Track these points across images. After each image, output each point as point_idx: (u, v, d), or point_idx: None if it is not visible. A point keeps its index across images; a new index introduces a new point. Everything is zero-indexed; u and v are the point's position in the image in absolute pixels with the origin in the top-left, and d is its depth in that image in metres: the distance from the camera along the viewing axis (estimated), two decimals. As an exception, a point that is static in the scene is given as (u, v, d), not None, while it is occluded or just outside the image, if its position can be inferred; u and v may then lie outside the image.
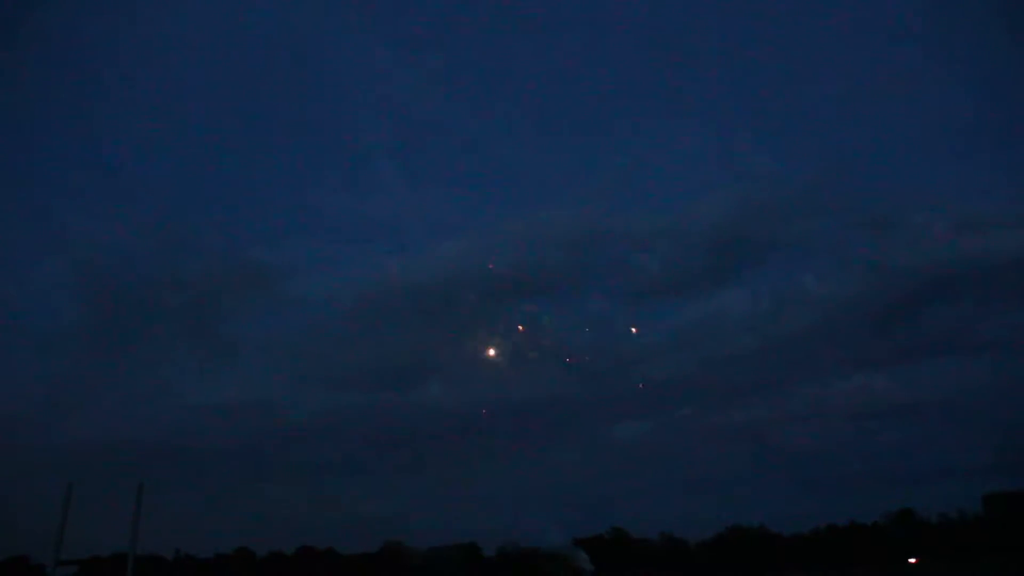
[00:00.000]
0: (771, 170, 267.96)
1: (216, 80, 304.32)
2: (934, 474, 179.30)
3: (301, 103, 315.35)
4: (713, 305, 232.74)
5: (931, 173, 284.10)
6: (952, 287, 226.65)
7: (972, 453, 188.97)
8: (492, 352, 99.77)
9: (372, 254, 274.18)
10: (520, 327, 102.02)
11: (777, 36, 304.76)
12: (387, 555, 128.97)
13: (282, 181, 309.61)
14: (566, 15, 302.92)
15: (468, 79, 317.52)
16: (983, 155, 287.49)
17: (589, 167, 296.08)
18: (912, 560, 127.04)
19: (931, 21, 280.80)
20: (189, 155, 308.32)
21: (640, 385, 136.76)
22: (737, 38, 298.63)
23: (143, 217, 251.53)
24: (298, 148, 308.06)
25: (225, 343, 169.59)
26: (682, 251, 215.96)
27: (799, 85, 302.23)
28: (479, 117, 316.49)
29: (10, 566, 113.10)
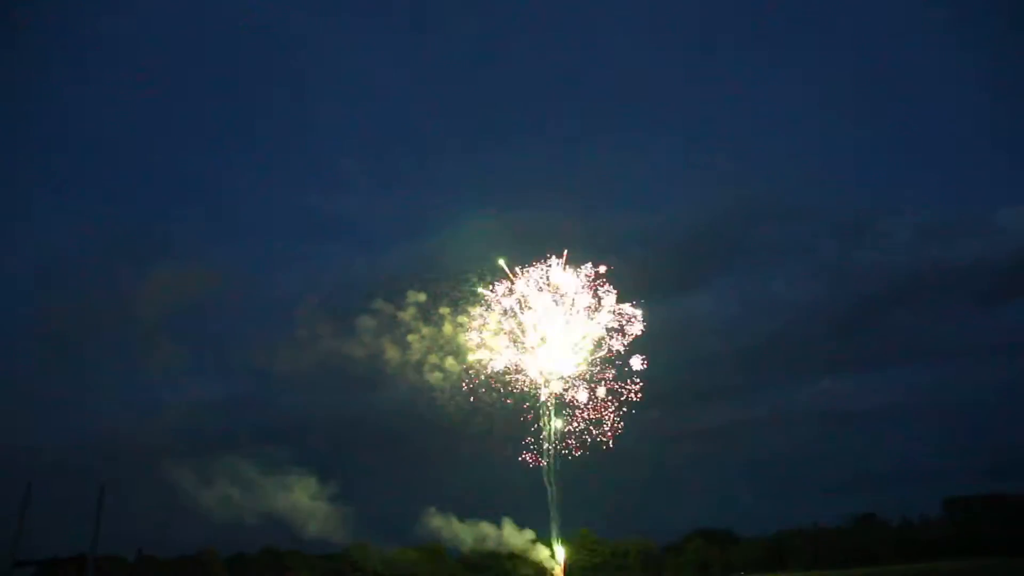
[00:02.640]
0: (739, 176, 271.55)
1: (182, 79, 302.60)
2: (896, 478, 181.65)
3: (269, 103, 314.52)
4: (680, 309, 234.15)
5: (896, 180, 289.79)
6: (915, 293, 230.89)
7: (933, 457, 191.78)
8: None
9: (339, 253, 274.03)
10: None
11: (747, 43, 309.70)
12: (352, 556, 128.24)
13: (250, 180, 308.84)
14: (538, 20, 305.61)
15: (439, 80, 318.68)
16: (946, 163, 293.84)
17: (560, 171, 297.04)
18: None
19: (898, 31, 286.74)
20: (157, 155, 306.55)
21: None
22: (706, 45, 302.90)
23: (109, 214, 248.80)
24: (266, 148, 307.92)
25: (188, 342, 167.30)
26: (650, 255, 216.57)
27: (767, 92, 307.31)
28: (449, 118, 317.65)
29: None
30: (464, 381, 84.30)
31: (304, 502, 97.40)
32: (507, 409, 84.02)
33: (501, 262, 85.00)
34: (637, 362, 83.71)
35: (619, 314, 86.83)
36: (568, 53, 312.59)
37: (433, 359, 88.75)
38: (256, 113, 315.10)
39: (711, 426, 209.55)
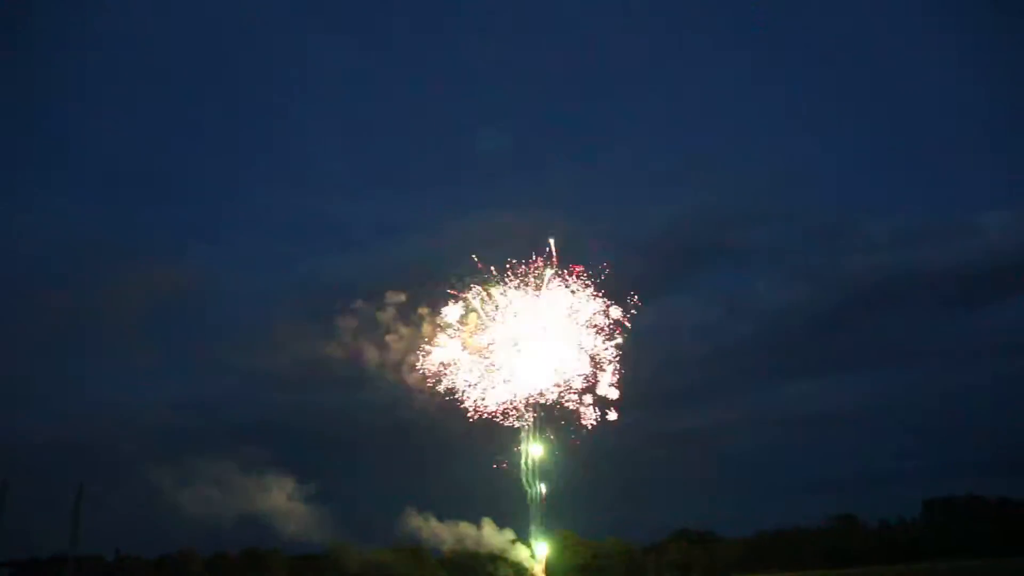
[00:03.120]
0: (718, 179, 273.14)
1: (159, 76, 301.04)
2: (875, 479, 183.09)
3: (248, 101, 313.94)
4: (661, 311, 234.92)
5: (874, 184, 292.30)
6: (893, 296, 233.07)
7: (912, 459, 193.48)
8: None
9: (317, 252, 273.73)
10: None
11: (729, 45, 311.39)
12: (332, 557, 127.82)
13: (227, 179, 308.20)
14: (519, 21, 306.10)
15: (418, 79, 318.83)
16: (924, 167, 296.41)
17: (541, 170, 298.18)
18: None
19: (876, 36, 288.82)
20: (135, 153, 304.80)
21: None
22: (687, 46, 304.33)
23: (84, 212, 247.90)
24: (245, 146, 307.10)
25: (166, 342, 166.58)
26: (632, 256, 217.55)
27: (747, 96, 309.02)
28: (432, 118, 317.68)
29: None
30: (440, 382, 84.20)
31: (282, 503, 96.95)
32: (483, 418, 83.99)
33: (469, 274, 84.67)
34: (608, 388, 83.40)
35: (601, 320, 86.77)
36: (549, 53, 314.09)
37: (412, 360, 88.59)
38: (238, 112, 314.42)
39: (692, 427, 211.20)
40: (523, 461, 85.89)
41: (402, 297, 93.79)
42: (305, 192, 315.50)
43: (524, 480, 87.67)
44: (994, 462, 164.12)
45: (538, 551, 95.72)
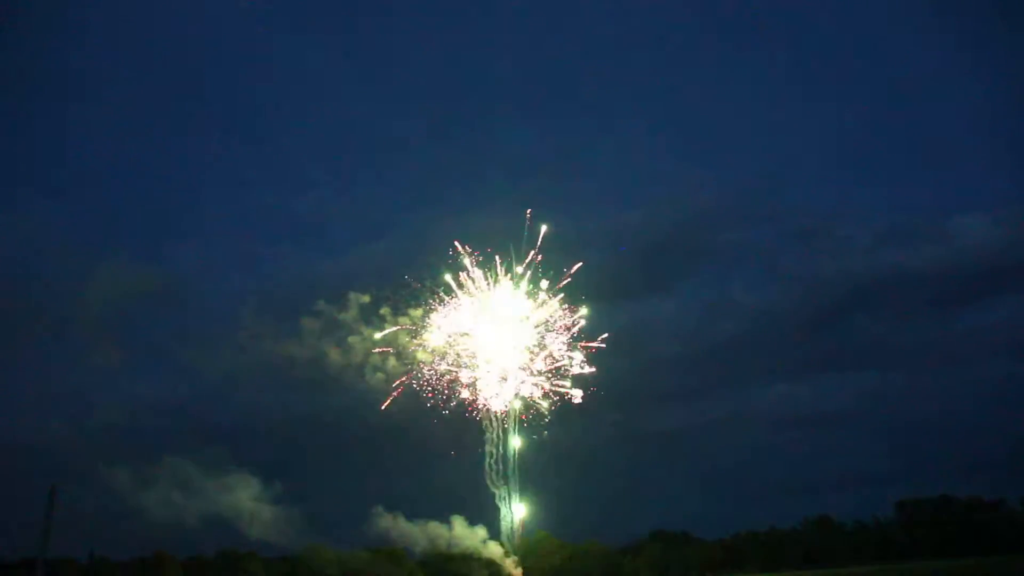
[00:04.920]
0: (702, 181, 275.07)
1: (132, 75, 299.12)
2: (850, 481, 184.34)
3: (229, 101, 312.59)
4: (642, 312, 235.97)
5: (855, 186, 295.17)
6: (872, 299, 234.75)
7: (886, 461, 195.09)
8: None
9: (286, 254, 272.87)
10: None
11: (709, 51, 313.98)
12: (308, 559, 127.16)
13: (208, 179, 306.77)
14: (501, 22, 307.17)
15: (399, 80, 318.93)
16: (905, 169, 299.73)
17: (521, 171, 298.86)
18: None
19: (859, 40, 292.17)
20: (115, 154, 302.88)
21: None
22: (670, 52, 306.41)
23: (55, 211, 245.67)
24: (225, 147, 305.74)
25: (144, 344, 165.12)
26: (613, 258, 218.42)
27: (730, 98, 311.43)
28: (404, 119, 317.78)
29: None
30: (404, 382, 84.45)
31: (246, 503, 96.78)
32: (447, 416, 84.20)
33: (447, 276, 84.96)
34: (579, 395, 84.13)
35: (569, 320, 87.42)
36: (528, 56, 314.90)
37: (375, 360, 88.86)
38: (213, 112, 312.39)
39: (668, 428, 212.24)
40: (487, 461, 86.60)
41: (366, 299, 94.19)
42: (278, 192, 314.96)
43: (488, 479, 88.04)
44: (967, 464, 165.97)
45: (516, 513, 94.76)
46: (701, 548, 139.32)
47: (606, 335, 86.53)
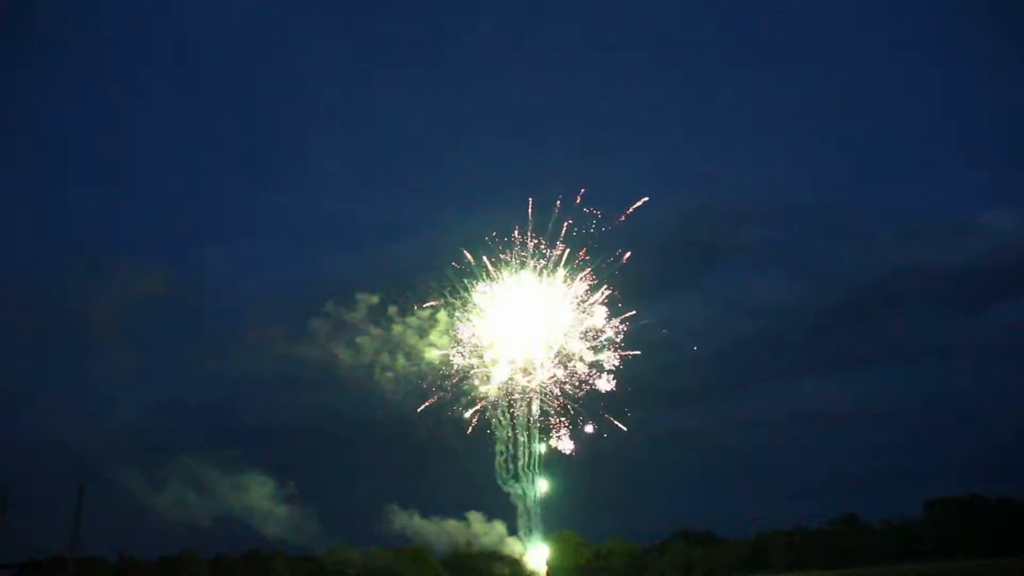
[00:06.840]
0: (722, 178, 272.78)
1: (151, 78, 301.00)
2: (877, 479, 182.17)
3: (251, 103, 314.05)
4: (664, 310, 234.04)
5: (879, 182, 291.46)
6: (899, 295, 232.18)
7: (914, 458, 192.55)
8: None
9: (298, 255, 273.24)
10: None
11: (735, 45, 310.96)
12: (333, 559, 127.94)
13: (231, 181, 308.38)
14: (520, 22, 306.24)
15: (421, 81, 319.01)
16: (930, 165, 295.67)
17: (542, 169, 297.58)
18: None
19: (885, 31, 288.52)
20: (117, 155, 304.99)
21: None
22: (689, 46, 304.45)
23: (76, 212, 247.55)
24: (247, 148, 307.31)
25: (167, 343, 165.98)
26: (635, 255, 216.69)
27: (756, 96, 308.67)
28: (431, 118, 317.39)
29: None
30: (421, 382, 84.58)
31: (261, 503, 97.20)
32: (461, 415, 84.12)
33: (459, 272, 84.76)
34: (604, 383, 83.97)
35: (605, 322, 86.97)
36: (545, 56, 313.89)
37: (384, 360, 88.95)
38: (223, 114, 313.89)
39: (693, 427, 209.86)
40: (497, 461, 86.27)
41: (375, 299, 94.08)
42: (315, 196, 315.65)
43: (497, 476, 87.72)
44: (995, 462, 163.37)
45: (538, 551, 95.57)
46: (726, 547, 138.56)
47: (648, 337, 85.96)
